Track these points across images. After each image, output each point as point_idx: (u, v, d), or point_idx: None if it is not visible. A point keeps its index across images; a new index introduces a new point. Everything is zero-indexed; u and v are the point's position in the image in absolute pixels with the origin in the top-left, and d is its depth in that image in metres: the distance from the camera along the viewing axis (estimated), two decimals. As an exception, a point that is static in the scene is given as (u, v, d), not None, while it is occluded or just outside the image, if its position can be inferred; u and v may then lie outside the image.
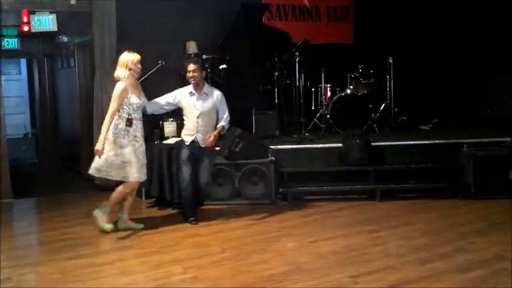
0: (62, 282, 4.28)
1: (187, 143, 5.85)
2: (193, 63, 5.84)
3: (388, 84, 8.76)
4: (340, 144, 6.97)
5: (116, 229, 5.56)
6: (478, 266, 4.35)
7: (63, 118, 10.57)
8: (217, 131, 5.86)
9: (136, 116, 5.49)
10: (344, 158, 6.86)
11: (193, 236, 5.38)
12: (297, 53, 7.69)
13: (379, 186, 6.64)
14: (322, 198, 6.64)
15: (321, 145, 7.18)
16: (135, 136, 5.45)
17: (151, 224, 5.86)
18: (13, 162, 8.05)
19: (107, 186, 7.60)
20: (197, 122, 5.80)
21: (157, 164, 6.57)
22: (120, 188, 5.53)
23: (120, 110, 5.41)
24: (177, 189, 6.36)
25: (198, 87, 5.85)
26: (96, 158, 5.35)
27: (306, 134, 7.78)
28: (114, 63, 7.50)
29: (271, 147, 6.89)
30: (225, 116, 5.94)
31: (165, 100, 5.93)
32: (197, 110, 5.81)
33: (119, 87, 5.41)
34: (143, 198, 6.94)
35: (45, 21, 7.55)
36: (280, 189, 6.60)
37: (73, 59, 9.20)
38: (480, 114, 8.34)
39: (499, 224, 5.52)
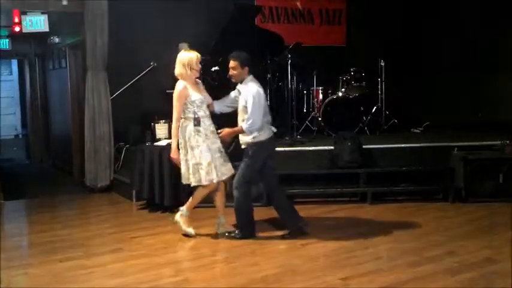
0: (52, 284, 4.26)
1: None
2: (231, 59, 5.19)
3: (379, 87, 8.79)
4: (332, 147, 6.98)
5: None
6: (468, 268, 4.37)
7: (54, 119, 10.53)
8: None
9: (203, 113, 5.20)
10: (335, 161, 6.87)
11: (184, 239, 5.36)
12: (289, 56, 7.71)
13: (370, 188, 6.66)
14: (313, 200, 6.65)
15: (313, 147, 7.18)
16: (206, 135, 5.22)
17: (142, 226, 5.85)
18: (3, 163, 8.02)
19: (98, 188, 7.64)
20: None
21: (148, 166, 6.55)
22: (197, 192, 5.35)
23: (185, 111, 5.17)
24: (169, 191, 6.35)
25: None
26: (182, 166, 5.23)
27: (298, 136, 7.78)
28: (105, 64, 7.57)
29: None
30: None
31: (232, 96, 5.37)
32: None
33: (178, 87, 5.14)
34: (134, 200, 6.93)
35: (36, 22, 7.53)
36: (272, 192, 6.60)
37: (64, 60, 9.17)
38: (471, 118, 8.37)
39: (488, 227, 5.56)
